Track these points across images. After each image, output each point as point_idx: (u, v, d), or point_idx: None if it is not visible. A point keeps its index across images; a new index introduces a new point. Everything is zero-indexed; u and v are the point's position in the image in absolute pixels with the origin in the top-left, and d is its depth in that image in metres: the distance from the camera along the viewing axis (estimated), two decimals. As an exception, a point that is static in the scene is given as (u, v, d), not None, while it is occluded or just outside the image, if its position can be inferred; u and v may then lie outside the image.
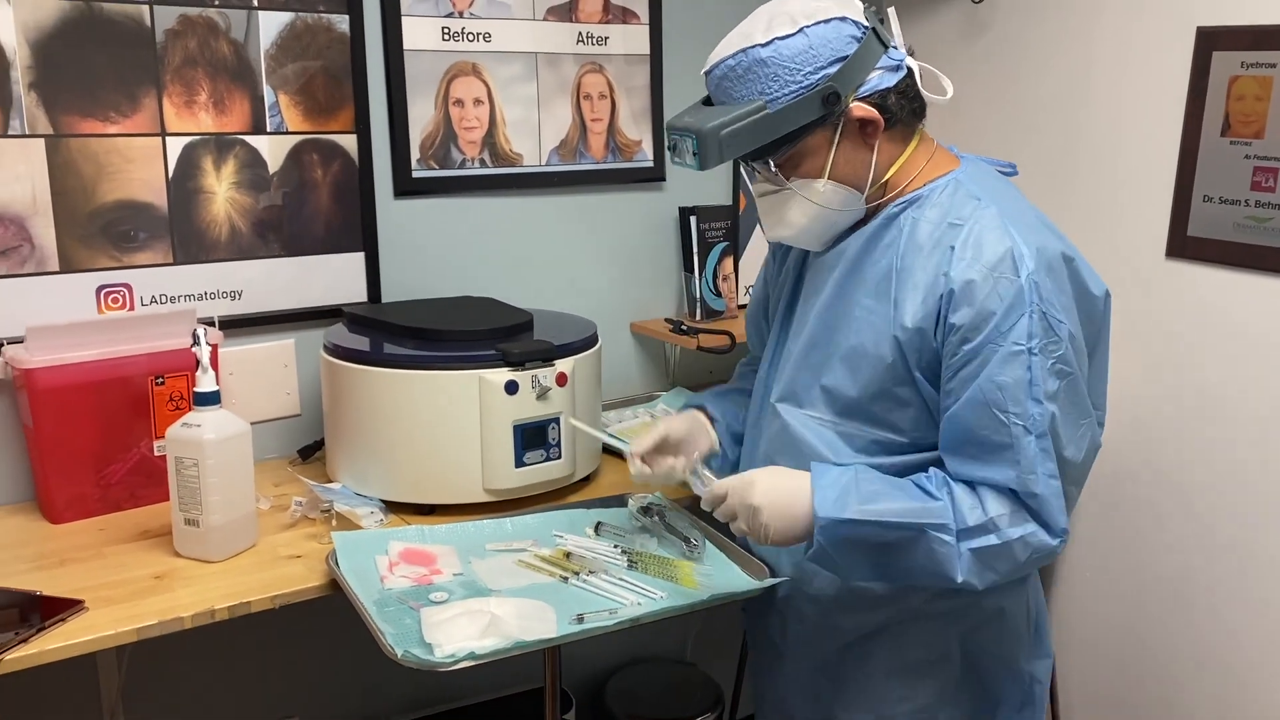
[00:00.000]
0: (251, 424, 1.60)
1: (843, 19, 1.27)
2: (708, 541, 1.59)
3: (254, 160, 1.87)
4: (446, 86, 2.03)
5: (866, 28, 1.28)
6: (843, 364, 1.34)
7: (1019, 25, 2.17)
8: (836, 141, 1.29)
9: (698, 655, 2.54)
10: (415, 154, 2.02)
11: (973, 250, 1.25)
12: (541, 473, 1.72)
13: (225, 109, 1.83)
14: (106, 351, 1.67)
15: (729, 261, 2.37)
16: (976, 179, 1.34)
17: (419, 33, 1.98)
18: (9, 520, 1.70)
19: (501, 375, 1.66)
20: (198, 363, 1.54)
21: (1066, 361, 1.23)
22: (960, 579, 1.24)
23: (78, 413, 1.66)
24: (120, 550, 1.58)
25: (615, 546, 1.57)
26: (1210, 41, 1.84)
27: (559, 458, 1.73)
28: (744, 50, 1.26)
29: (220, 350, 1.80)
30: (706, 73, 1.32)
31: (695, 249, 2.31)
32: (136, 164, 1.77)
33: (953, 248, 1.26)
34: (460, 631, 1.30)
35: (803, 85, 1.25)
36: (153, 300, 1.82)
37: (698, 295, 2.32)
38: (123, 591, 1.45)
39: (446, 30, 2.01)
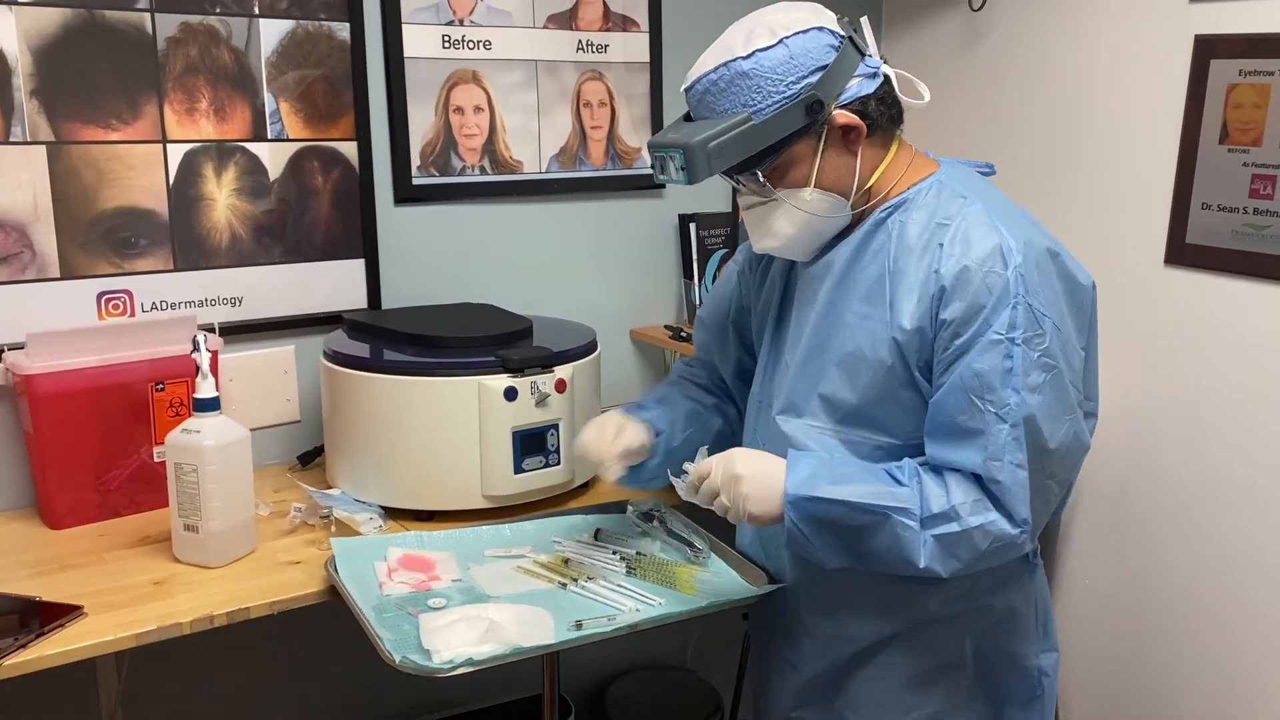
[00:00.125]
0: (251, 430, 1.61)
1: (820, 29, 1.29)
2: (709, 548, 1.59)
3: (254, 167, 1.88)
4: (447, 94, 2.04)
5: (843, 37, 1.30)
6: (839, 371, 1.35)
7: (1017, 33, 2.17)
8: (821, 150, 1.30)
9: (698, 662, 2.53)
10: (415, 161, 2.03)
11: (961, 246, 1.26)
12: (540, 479, 1.72)
13: (226, 116, 1.84)
14: (107, 358, 1.67)
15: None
16: (959, 179, 1.35)
17: (419, 40, 1.99)
18: (9, 526, 1.70)
19: (501, 382, 1.66)
20: (198, 369, 1.54)
21: (1051, 355, 1.24)
22: (923, 564, 1.26)
23: (78, 419, 1.66)
24: (120, 556, 1.58)
25: (614, 553, 1.57)
26: (1208, 49, 1.84)
27: (558, 464, 1.74)
28: (725, 64, 1.27)
29: (220, 356, 1.80)
30: (686, 89, 1.33)
31: (695, 256, 2.31)
32: (137, 171, 1.78)
33: (941, 245, 1.28)
34: (458, 637, 1.30)
35: (786, 95, 1.26)
36: (153, 307, 1.83)
37: (697, 302, 2.32)
38: (122, 597, 1.45)
39: (447, 38, 2.02)
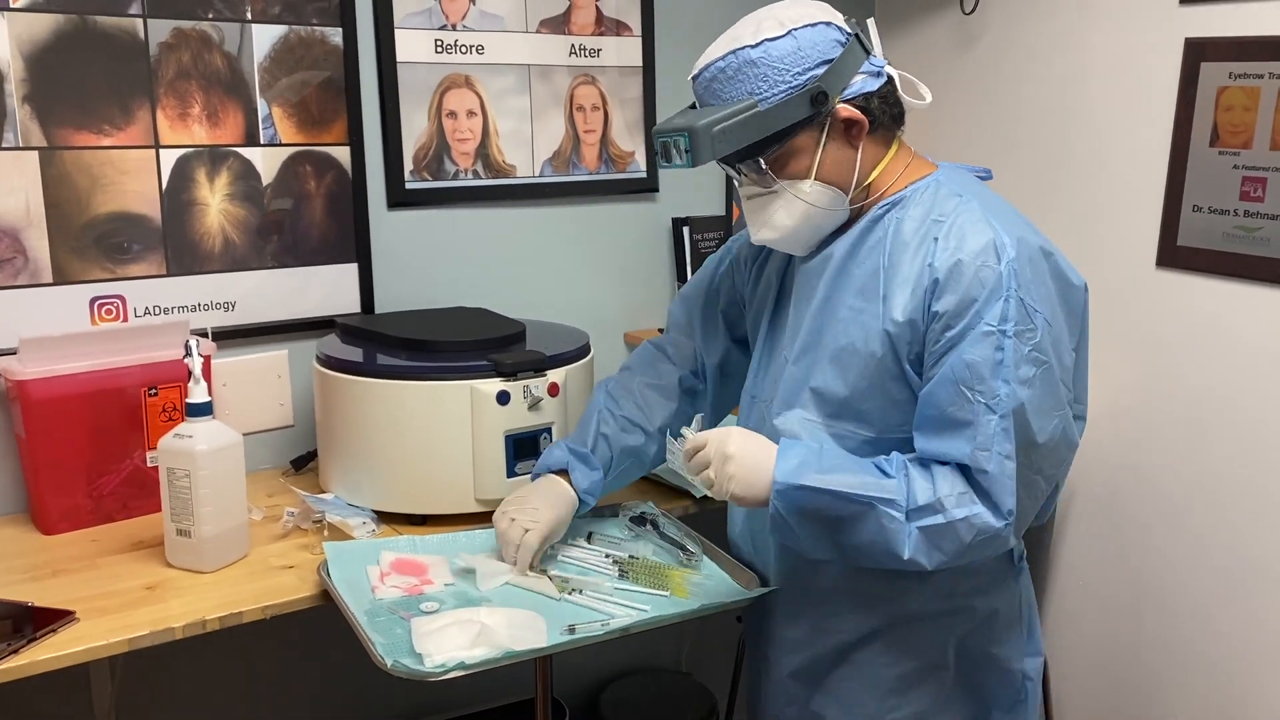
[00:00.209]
0: (244, 435, 1.61)
1: (828, 24, 1.31)
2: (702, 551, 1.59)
3: (247, 172, 1.88)
4: (440, 98, 2.04)
5: (850, 34, 1.32)
6: (831, 365, 1.36)
7: (1010, 36, 2.18)
8: (823, 142, 1.32)
9: (693, 665, 2.54)
10: (409, 165, 2.03)
11: (955, 241, 1.28)
12: (533, 483, 1.72)
13: (219, 121, 1.84)
14: (100, 363, 1.67)
15: (722, 272, 2.38)
16: (956, 180, 1.37)
17: (412, 45, 2.00)
18: (2, 531, 1.70)
19: (493, 386, 1.67)
20: (190, 374, 1.54)
21: (1042, 350, 1.25)
22: (907, 555, 1.26)
23: (71, 424, 1.66)
24: (112, 561, 1.58)
25: (606, 556, 1.58)
26: (1199, 52, 1.85)
27: (551, 468, 1.74)
28: (734, 52, 1.30)
29: (214, 361, 1.80)
30: (694, 77, 1.35)
31: (688, 259, 2.32)
32: (130, 176, 1.78)
33: (936, 239, 1.29)
34: (450, 641, 1.30)
35: (792, 85, 1.28)
36: (146, 312, 1.83)
37: (691, 305, 2.33)
38: (115, 602, 1.45)
39: (439, 43, 2.02)
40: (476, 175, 2.11)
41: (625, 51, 2.24)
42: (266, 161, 1.89)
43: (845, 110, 1.31)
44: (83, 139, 1.73)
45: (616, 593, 1.47)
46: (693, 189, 2.36)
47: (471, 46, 2.06)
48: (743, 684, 1.68)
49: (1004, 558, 1.43)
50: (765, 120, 1.29)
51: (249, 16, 1.84)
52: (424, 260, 2.08)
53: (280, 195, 1.92)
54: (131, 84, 1.76)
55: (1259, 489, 1.84)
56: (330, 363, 1.74)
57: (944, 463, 1.28)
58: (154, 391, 1.73)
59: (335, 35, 1.92)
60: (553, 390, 1.71)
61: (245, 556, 1.60)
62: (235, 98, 1.85)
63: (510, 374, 1.68)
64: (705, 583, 1.52)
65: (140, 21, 1.75)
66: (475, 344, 1.76)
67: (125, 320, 1.81)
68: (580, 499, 1.56)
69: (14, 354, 1.66)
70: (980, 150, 2.23)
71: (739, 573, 1.52)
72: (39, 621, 1.37)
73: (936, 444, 1.28)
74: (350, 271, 2.01)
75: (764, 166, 1.34)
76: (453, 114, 2.06)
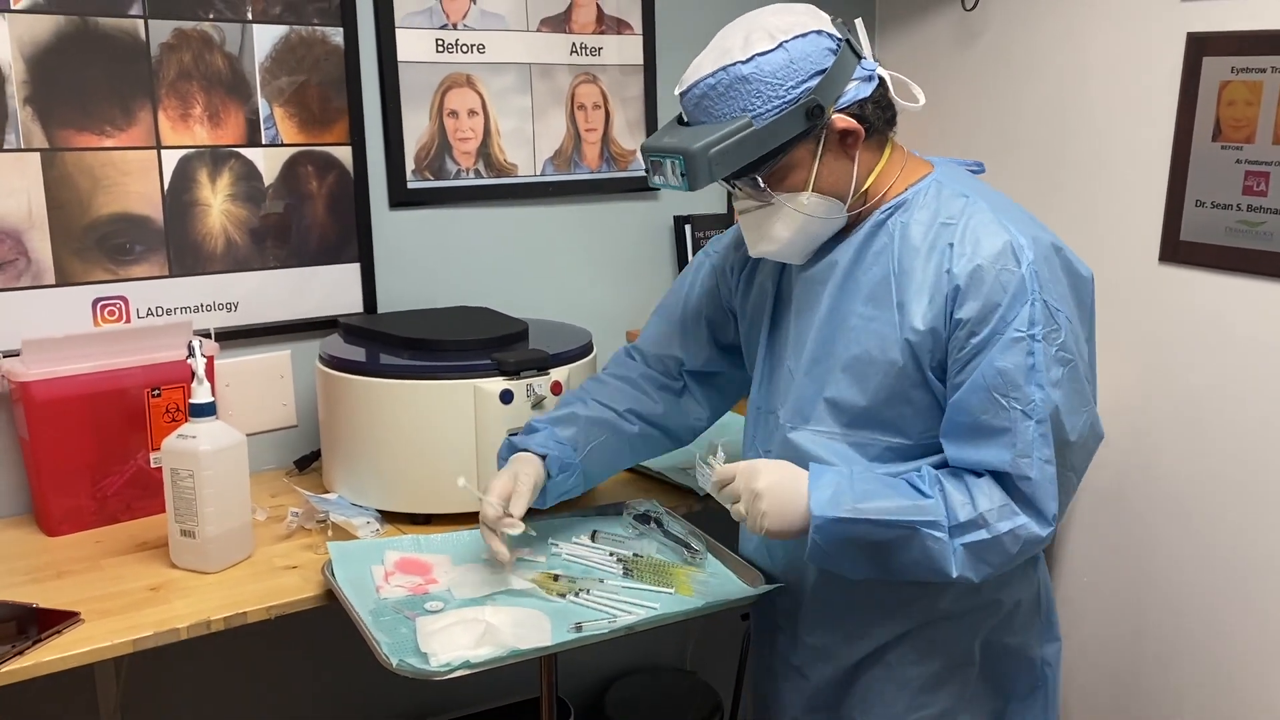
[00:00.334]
0: (248, 435, 1.61)
1: (819, 32, 1.28)
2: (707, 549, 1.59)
3: (249, 173, 1.88)
4: (441, 98, 2.04)
5: (840, 40, 1.29)
6: (846, 375, 1.34)
7: (1011, 32, 2.17)
8: (819, 154, 1.30)
9: (697, 663, 2.53)
10: (410, 165, 2.03)
11: (972, 245, 1.26)
12: (537, 482, 1.72)
13: (220, 122, 1.84)
14: (103, 364, 1.67)
15: (724, 270, 2.38)
16: (955, 178, 1.36)
17: (413, 44, 1.99)
18: (6, 533, 1.70)
19: (496, 384, 1.66)
20: (193, 374, 1.54)
21: (1067, 349, 1.25)
22: (956, 573, 1.26)
23: (74, 425, 1.66)
24: (116, 562, 1.58)
25: (611, 554, 1.57)
26: (1200, 47, 1.85)
27: (554, 466, 1.73)
28: (724, 68, 1.26)
29: (217, 362, 1.80)
30: (682, 93, 1.32)
31: (690, 257, 2.32)
32: (132, 177, 1.78)
33: (951, 245, 1.27)
34: (455, 641, 1.30)
35: (786, 100, 1.26)
36: (149, 313, 1.83)
37: (693, 303, 2.32)
38: (119, 603, 1.45)
39: (440, 42, 2.02)
40: (478, 174, 2.11)
41: (626, 50, 2.23)
42: (268, 162, 1.89)
43: (841, 121, 1.28)
44: (84, 140, 1.73)
45: (621, 591, 1.47)
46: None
47: (472, 45, 2.06)
48: (749, 685, 1.67)
49: None
50: (761, 138, 1.26)
51: (250, 17, 1.84)
52: (426, 260, 2.08)
53: (282, 195, 1.91)
54: (133, 85, 1.76)
55: (1263, 484, 1.84)
56: (333, 363, 1.74)
57: (977, 472, 1.27)
58: (157, 392, 1.73)
59: (336, 35, 1.92)
60: (555, 389, 1.71)
61: (249, 557, 1.60)
62: (236, 98, 1.85)
63: (513, 373, 1.68)
64: (710, 581, 1.52)
65: (141, 22, 1.75)
66: (478, 343, 1.76)
67: (128, 321, 1.81)
68: (542, 456, 1.50)
69: (17, 355, 1.66)
70: (982, 146, 2.23)
71: (744, 570, 1.52)
72: (43, 623, 1.37)
73: (972, 452, 1.27)
74: (352, 271, 2.01)
75: (761, 184, 1.32)
76: (454, 113, 2.06)
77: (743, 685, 2.32)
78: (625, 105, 2.25)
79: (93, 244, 1.76)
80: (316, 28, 1.90)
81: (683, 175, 1.26)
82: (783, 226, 1.35)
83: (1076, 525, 2.16)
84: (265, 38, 1.86)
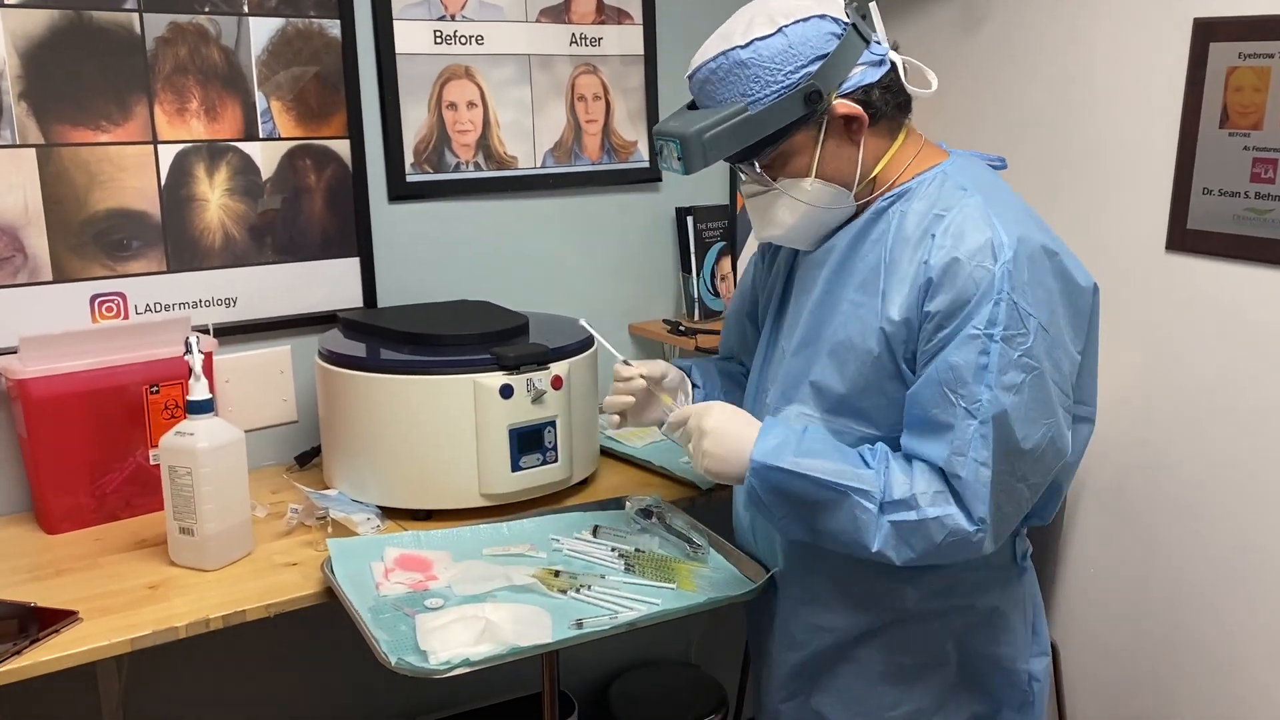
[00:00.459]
0: (248, 431, 1.60)
1: (822, 16, 1.26)
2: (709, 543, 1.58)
3: (247, 167, 1.87)
4: (440, 90, 2.03)
5: (847, 24, 1.27)
6: (830, 359, 1.34)
7: (1015, 18, 2.15)
8: (821, 140, 1.29)
9: (702, 657, 2.53)
10: (409, 158, 2.01)
11: (952, 239, 1.24)
12: (538, 476, 1.71)
13: (217, 116, 1.83)
14: (101, 361, 1.67)
15: (726, 261, 2.36)
16: (964, 171, 1.33)
17: (411, 36, 1.98)
18: (4, 531, 1.69)
19: (496, 379, 1.65)
20: (191, 371, 1.53)
21: (1033, 355, 1.22)
22: (875, 548, 1.25)
23: (72, 423, 1.65)
24: (116, 560, 1.58)
25: (613, 549, 1.56)
26: (1207, 32, 1.82)
27: (555, 461, 1.73)
28: (724, 53, 1.26)
29: (216, 358, 1.79)
30: (689, 76, 1.32)
31: (692, 249, 2.30)
32: (129, 172, 1.77)
33: (933, 236, 1.26)
34: (455, 638, 1.29)
35: (784, 85, 1.25)
36: (147, 309, 1.82)
37: (695, 295, 2.31)
38: (118, 601, 1.44)
39: (439, 33, 2.01)
40: (478, 167, 2.09)
41: (626, 40, 2.22)
42: (266, 156, 1.88)
43: (843, 106, 1.27)
44: (80, 135, 1.72)
45: (623, 586, 1.46)
46: (696, 178, 2.32)
47: (471, 37, 2.04)
48: (751, 676, 1.67)
49: (1006, 556, 1.41)
50: (758, 123, 1.25)
51: (246, 10, 1.82)
52: (426, 253, 2.07)
53: (280, 190, 1.90)
54: (128, 79, 1.75)
55: (1270, 477, 1.82)
56: (333, 358, 1.73)
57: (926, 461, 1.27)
58: (156, 389, 1.72)
59: (333, 27, 1.90)
60: (556, 383, 1.70)
61: (249, 554, 1.59)
62: (233, 92, 1.83)
63: (513, 367, 1.67)
64: (712, 575, 1.51)
65: (136, 16, 1.74)
66: (478, 337, 1.75)
67: (126, 318, 1.80)
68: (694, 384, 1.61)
69: (14, 353, 1.65)
70: (986, 134, 2.21)
71: (745, 564, 1.51)
72: (42, 622, 1.37)
73: (917, 444, 1.26)
74: (352, 266, 1.99)
75: (758, 169, 1.31)
76: (453, 105, 2.05)
77: (747, 679, 2.31)
78: (626, 96, 2.23)
79: (90, 240, 1.75)
80: (313, 20, 1.88)
81: (679, 159, 1.26)
82: (786, 212, 1.34)
83: (1080, 519, 2.14)
84: (262, 30, 1.84)
